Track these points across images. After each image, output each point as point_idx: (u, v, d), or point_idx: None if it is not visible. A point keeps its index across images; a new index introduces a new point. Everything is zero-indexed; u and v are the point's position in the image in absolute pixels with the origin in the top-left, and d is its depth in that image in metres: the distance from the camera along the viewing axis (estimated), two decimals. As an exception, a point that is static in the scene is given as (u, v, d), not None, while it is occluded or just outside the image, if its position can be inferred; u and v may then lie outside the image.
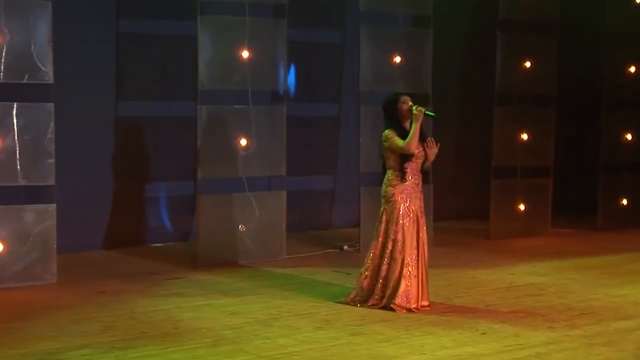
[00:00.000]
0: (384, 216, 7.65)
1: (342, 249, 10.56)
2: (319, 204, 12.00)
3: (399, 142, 7.49)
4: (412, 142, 7.45)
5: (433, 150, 7.60)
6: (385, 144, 7.60)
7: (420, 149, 7.58)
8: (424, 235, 7.69)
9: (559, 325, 7.14)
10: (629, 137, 12.13)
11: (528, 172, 11.62)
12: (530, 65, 11.48)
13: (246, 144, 9.64)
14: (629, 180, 12.17)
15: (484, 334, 6.88)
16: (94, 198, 10.24)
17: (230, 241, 9.67)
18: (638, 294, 8.32)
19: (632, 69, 12.01)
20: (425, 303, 7.69)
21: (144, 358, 6.21)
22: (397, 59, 10.48)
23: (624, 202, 12.20)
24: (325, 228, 11.95)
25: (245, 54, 9.54)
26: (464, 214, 12.73)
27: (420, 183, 7.70)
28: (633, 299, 8.11)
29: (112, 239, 10.38)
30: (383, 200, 7.67)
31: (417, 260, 7.61)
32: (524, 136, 11.50)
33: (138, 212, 10.65)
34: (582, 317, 7.42)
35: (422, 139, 7.63)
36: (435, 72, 10.80)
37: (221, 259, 9.56)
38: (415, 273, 7.59)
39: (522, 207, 11.61)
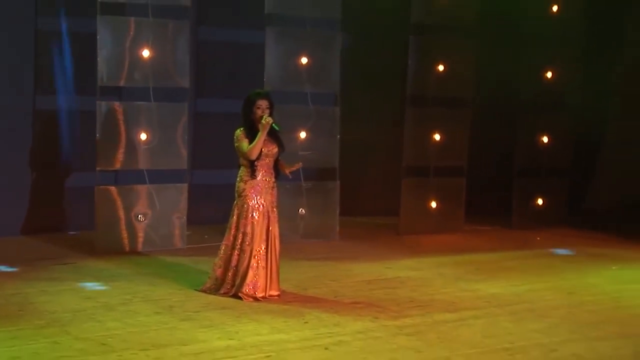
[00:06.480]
0: (235, 210, 7.97)
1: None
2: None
3: (244, 147, 7.84)
4: (254, 151, 7.80)
5: (286, 171, 8.08)
6: (235, 143, 7.94)
7: (273, 147, 7.89)
8: (274, 229, 7.99)
9: (385, 316, 7.36)
10: (544, 139, 12.31)
11: (441, 171, 11.85)
12: (444, 69, 11.69)
13: (146, 139, 9.98)
14: (544, 182, 12.37)
15: (306, 322, 7.15)
16: (14, 185, 10.62)
17: (130, 231, 10.02)
18: (489, 288, 8.48)
19: (549, 74, 12.19)
20: (274, 293, 7.97)
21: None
22: (304, 60, 10.75)
23: (539, 202, 12.37)
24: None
25: (146, 52, 9.87)
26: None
27: (273, 180, 8.00)
28: (481, 294, 8.27)
29: (30, 225, 10.76)
30: (235, 195, 7.99)
31: (267, 253, 7.91)
32: (437, 136, 11.73)
33: (57, 200, 11.02)
34: (415, 309, 7.63)
35: (280, 144, 8.00)
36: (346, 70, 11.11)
37: (121, 248, 9.93)
38: (264, 264, 7.89)
39: (434, 204, 11.82)
